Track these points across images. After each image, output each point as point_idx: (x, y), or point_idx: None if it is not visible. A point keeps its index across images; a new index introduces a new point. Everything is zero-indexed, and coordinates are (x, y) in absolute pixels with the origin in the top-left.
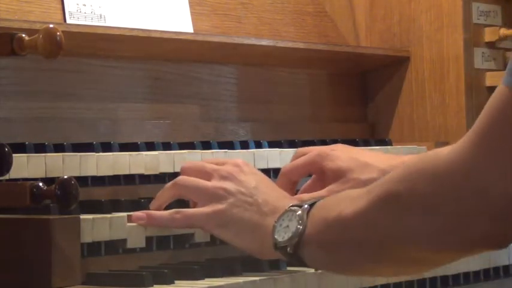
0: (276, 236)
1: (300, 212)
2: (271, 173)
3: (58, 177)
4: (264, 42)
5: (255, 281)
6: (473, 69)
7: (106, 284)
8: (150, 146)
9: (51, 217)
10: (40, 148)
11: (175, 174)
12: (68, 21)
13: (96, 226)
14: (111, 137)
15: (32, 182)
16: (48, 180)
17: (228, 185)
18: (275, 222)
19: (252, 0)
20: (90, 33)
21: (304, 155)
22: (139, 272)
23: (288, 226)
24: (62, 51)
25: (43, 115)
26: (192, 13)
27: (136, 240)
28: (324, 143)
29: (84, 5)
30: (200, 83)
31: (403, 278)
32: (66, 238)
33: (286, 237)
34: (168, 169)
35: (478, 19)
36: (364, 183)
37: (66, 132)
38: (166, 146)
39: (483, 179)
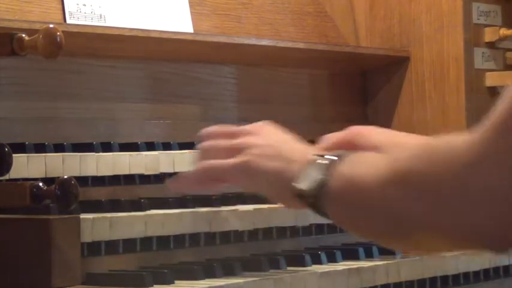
0: (298, 184)
1: (327, 161)
2: None
3: (58, 177)
4: (264, 42)
5: (255, 281)
6: (473, 69)
7: (106, 284)
8: (150, 146)
9: (51, 217)
10: (40, 148)
11: (175, 174)
12: (68, 21)
13: (96, 226)
14: (111, 137)
15: (32, 182)
16: (48, 180)
17: (252, 139)
18: (299, 170)
19: (252, 1)
20: (90, 33)
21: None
22: (139, 272)
23: (312, 175)
24: (61, 51)
25: (43, 115)
26: (192, 13)
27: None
28: None
29: (84, 5)
30: (200, 83)
31: (403, 278)
32: (66, 238)
33: (309, 186)
34: (168, 169)
35: (478, 19)
36: None
37: (66, 132)
38: (166, 146)
39: (491, 176)
